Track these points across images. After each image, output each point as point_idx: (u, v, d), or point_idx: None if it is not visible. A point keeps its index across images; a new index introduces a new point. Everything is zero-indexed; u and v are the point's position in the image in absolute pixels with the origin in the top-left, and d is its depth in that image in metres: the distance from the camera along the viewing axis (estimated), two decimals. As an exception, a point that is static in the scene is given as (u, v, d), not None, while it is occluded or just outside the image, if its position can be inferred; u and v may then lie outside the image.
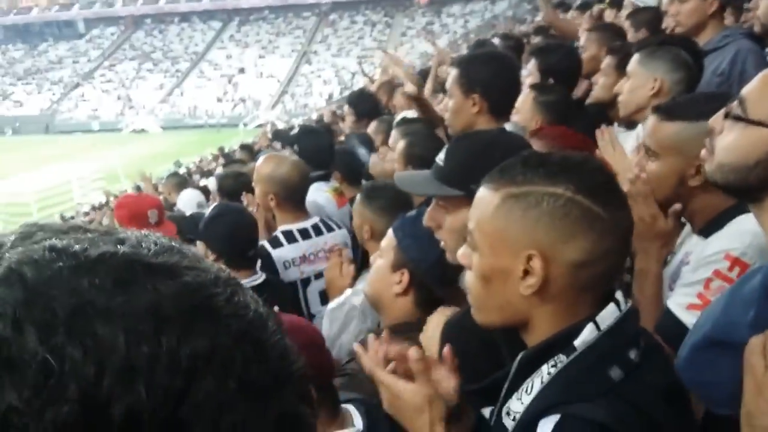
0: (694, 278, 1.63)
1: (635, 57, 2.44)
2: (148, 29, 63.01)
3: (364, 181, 4.22)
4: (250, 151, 8.35)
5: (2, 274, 0.38)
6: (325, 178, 3.69)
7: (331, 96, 45.89)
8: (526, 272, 1.09)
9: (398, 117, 4.25)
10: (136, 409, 0.35)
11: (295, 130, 7.13)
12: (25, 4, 64.78)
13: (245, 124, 43.31)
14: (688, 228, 1.83)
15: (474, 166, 1.59)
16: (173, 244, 0.43)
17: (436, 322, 1.68)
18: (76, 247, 0.39)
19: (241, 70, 54.33)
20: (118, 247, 0.40)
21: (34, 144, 43.13)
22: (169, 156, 32.01)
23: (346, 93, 42.63)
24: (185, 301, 0.39)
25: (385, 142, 4.42)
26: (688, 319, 1.56)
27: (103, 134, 45.70)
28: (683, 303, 1.61)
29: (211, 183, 6.80)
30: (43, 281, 0.37)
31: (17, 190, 26.51)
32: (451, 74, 2.59)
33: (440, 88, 5.00)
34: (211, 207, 2.90)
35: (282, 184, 3.03)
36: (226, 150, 17.22)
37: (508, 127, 2.35)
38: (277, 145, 8.71)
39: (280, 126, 33.78)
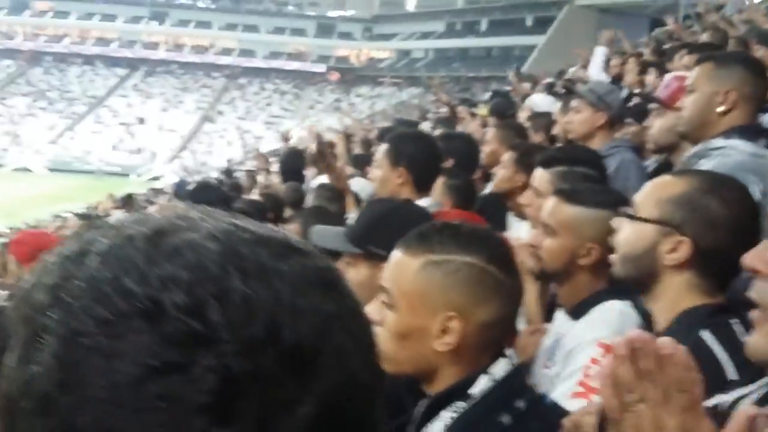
0: (571, 368, 1.78)
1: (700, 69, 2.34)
2: (47, 66, 60.73)
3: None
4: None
5: (202, 235, 0.46)
6: None
7: (232, 158, 45.56)
8: (443, 331, 1.23)
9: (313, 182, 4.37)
10: (297, 338, 0.44)
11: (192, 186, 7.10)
12: None
13: (139, 175, 42.08)
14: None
15: (374, 229, 1.79)
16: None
17: None
18: (249, 225, 0.49)
19: (141, 120, 53.15)
20: (273, 232, 0.50)
21: None
22: (52, 198, 30.42)
23: (249, 155, 42.55)
24: (322, 274, 0.48)
25: (292, 205, 4.54)
26: (575, 406, 1.71)
27: (-18, 168, 42.95)
28: (567, 393, 1.73)
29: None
30: (233, 243, 0.46)
31: None
32: (381, 147, 2.76)
33: (355, 160, 5.21)
34: None
35: None
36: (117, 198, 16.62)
37: (423, 203, 2.51)
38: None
39: (175, 180, 33.21)
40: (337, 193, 3.51)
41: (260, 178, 9.24)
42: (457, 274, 1.24)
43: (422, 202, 2.47)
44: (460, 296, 1.23)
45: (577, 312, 1.89)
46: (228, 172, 14.16)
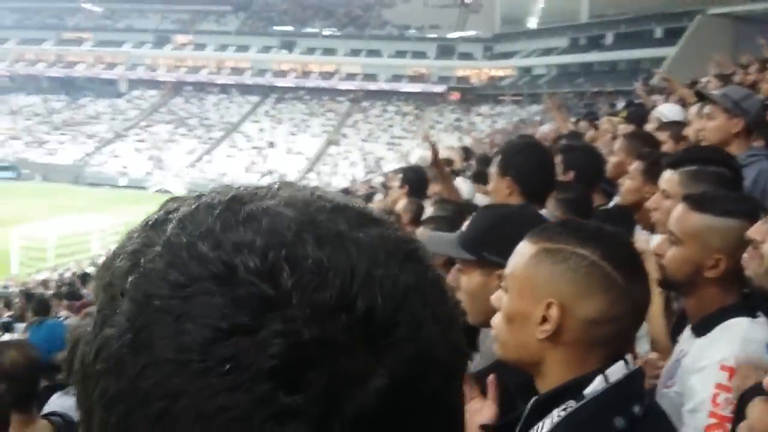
0: (698, 398, 1.67)
1: None
2: (187, 96, 65.18)
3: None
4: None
5: (279, 202, 0.46)
6: None
7: (354, 178, 46.71)
8: (545, 318, 1.23)
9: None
10: (371, 306, 0.43)
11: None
12: (72, 59, 67.56)
13: (268, 196, 43.94)
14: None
15: (488, 235, 1.76)
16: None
17: None
18: (329, 195, 0.49)
19: (271, 144, 55.67)
20: (352, 202, 0.50)
21: (60, 192, 43.99)
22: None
23: (371, 176, 43.42)
24: (401, 245, 0.47)
25: (411, 221, 4.59)
26: None
27: (129, 191, 46.57)
28: (700, 427, 1.64)
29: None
30: (310, 211, 0.46)
31: (38, 234, 26.89)
32: (494, 159, 2.77)
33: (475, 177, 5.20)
34: None
35: None
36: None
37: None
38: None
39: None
40: (456, 207, 3.52)
41: (379, 197, 9.42)
42: (565, 263, 1.23)
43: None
44: (564, 286, 1.23)
45: (700, 328, 1.79)
46: (346, 192, 14.51)
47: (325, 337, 0.41)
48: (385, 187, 13.69)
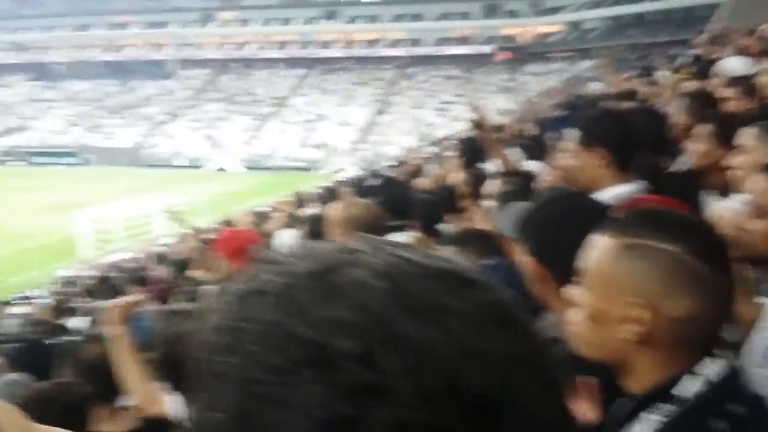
0: None
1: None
2: (235, 73, 65.76)
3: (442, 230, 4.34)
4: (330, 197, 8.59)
5: (369, 274, 0.44)
6: (401, 228, 3.73)
7: (405, 147, 46.48)
8: (628, 318, 1.17)
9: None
10: (480, 391, 0.41)
11: (374, 180, 7.30)
12: (121, 43, 68.80)
13: (321, 169, 44.28)
14: None
15: (544, 227, 1.70)
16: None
17: None
18: (419, 257, 0.46)
19: (321, 117, 55.83)
20: (444, 263, 0.46)
21: (121, 175, 45.24)
22: (245, 195, 32.99)
23: (422, 143, 43.10)
24: (500, 310, 0.45)
25: (469, 194, 4.56)
26: None
27: (186, 171, 47.52)
28: None
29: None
30: (401, 281, 0.43)
31: (102, 217, 27.76)
32: (571, 135, 2.70)
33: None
34: None
35: (354, 223, 3.11)
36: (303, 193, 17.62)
37: (627, 189, 2.39)
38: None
39: (356, 173, 34.48)
40: (521, 180, 3.47)
41: (432, 167, 9.36)
42: (648, 260, 1.16)
43: (626, 188, 2.39)
44: (650, 284, 1.16)
45: None
46: (401, 164, 14.43)
47: (433, 423, 0.40)
48: (440, 157, 13.61)
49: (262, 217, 11.33)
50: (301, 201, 12.18)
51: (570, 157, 2.78)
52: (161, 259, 10.57)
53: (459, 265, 0.47)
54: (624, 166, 2.58)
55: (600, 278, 1.23)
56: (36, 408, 2.00)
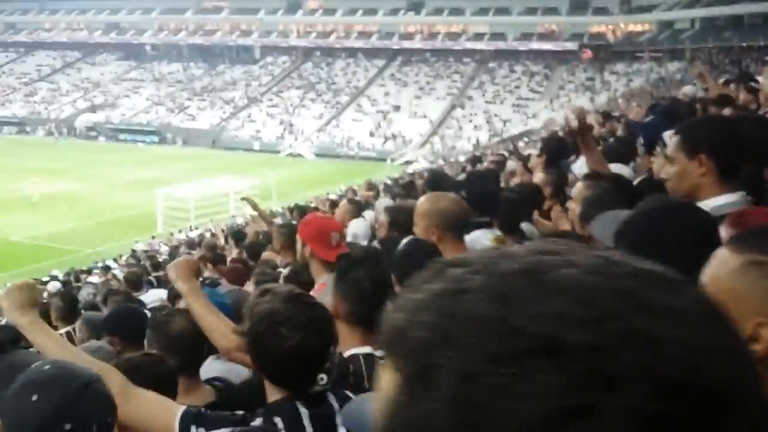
0: None
1: None
2: (316, 61, 66.65)
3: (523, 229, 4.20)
4: (409, 188, 8.52)
5: (581, 271, 0.45)
6: (487, 225, 3.69)
7: (478, 141, 46.06)
8: (753, 337, 1.10)
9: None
10: (716, 384, 0.42)
11: (462, 175, 7.19)
12: (210, 27, 70.75)
13: (392, 160, 44.40)
14: None
15: (646, 237, 1.60)
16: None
17: None
18: (618, 257, 0.48)
19: (396, 108, 55.94)
20: (639, 263, 0.48)
21: (199, 156, 46.65)
22: (317, 181, 33.42)
23: (495, 140, 42.59)
24: (709, 308, 0.46)
25: (552, 195, 4.40)
26: None
27: (262, 154, 48.56)
28: None
29: (369, 215, 7.02)
30: (614, 278, 0.45)
31: (180, 195, 28.68)
32: (672, 141, 2.55)
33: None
34: (404, 242, 2.96)
35: (441, 216, 3.07)
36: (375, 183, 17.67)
37: (731, 198, 2.25)
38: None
39: (426, 165, 34.46)
40: (610, 184, 3.29)
41: (511, 164, 9.16)
42: None
43: (730, 198, 2.23)
44: None
45: None
46: (475, 160, 14.22)
47: (668, 415, 0.40)
48: (515, 153, 13.34)
49: (333, 204, 11.39)
50: (373, 190, 12.19)
51: (668, 162, 2.61)
52: (235, 239, 10.77)
53: (653, 265, 0.48)
54: (727, 176, 2.41)
55: (720, 292, 1.15)
56: (127, 377, 2.04)
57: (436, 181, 5.56)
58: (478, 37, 62.35)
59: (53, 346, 2.01)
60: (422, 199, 3.25)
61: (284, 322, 1.78)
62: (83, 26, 74.55)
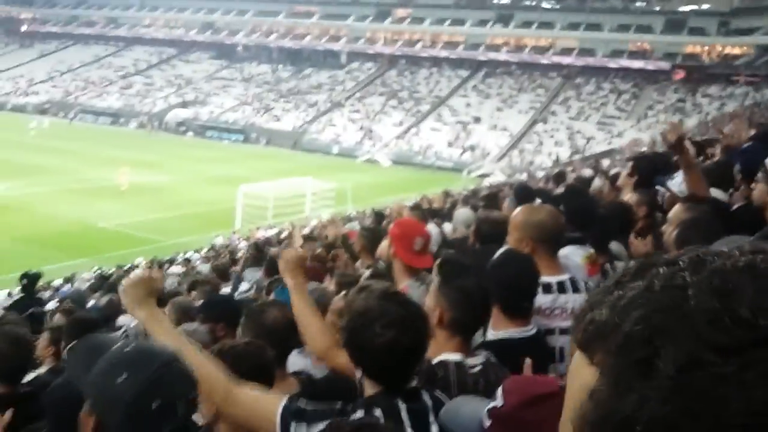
0: None
1: None
2: (401, 69, 67.04)
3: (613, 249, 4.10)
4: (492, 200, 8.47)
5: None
6: (581, 241, 3.62)
7: (558, 157, 45.19)
8: None
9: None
10: None
11: (561, 189, 7.08)
12: (300, 31, 72.30)
13: (469, 171, 44.11)
14: None
15: None
16: None
17: None
18: None
19: (477, 119, 55.58)
20: None
21: (281, 156, 47.67)
22: (393, 189, 33.57)
23: (576, 157, 41.61)
24: None
25: (646, 215, 4.28)
26: None
27: (341, 158, 49.19)
28: None
29: (448, 225, 7.04)
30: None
31: (260, 193, 29.36)
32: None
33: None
34: (499, 252, 2.95)
35: (537, 229, 3.02)
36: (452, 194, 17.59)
37: None
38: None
39: (502, 178, 34.04)
40: (705, 208, 3.18)
41: (597, 182, 8.95)
42: None
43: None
44: None
45: None
46: (559, 176, 13.95)
47: None
48: (601, 171, 13.03)
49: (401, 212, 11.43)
50: (450, 200, 12.16)
51: (764, 183, 2.52)
52: (312, 239, 10.96)
53: None
54: None
55: None
56: (229, 365, 2.09)
57: (526, 193, 5.50)
58: (566, 51, 61.26)
59: (168, 339, 2.08)
60: (518, 210, 3.21)
61: (378, 318, 1.81)
62: (180, 24, 77.63)
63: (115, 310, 7.54)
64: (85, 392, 1.62)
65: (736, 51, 55.63)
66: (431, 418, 1.82)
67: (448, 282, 2.33)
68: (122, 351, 1.64)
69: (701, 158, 7.97)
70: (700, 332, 0.44)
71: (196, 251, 20.44)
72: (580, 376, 0.51)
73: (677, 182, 4.04)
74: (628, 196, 4.71)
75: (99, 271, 17.39)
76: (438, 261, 2.48)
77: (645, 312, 0.47)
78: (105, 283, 13.24)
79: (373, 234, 4.91)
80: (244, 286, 6.42)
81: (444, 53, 65.75)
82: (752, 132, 7.02)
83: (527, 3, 65.84)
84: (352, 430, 1.46)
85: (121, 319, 5.98)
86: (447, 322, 2.28)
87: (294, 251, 2.72)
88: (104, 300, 9.07)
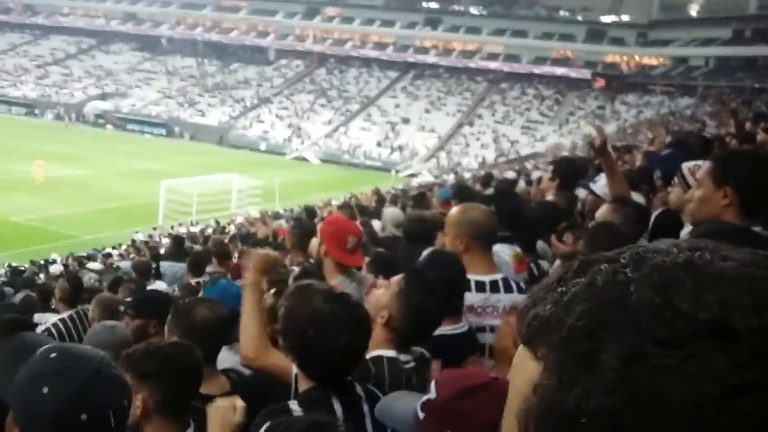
0: None
1: None
2: (330, 68, 66.82)
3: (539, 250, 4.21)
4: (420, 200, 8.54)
5: (739, 264, 0.49)
6: (509, 240, 3.69)
7: (484, 159, 46.12)
8: None
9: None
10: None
11: (490, 190, 7.20)
12: (227, 25, 71.01)
13: (397, 171, 44.46)
14: None
15: None
16: None
17: None
18: (752, 256, 0.51)
19: (406, 120, 56.05)
20: None
21: (205, 152, 46.68)
22: (321, 186, 33.45)
23: (502, 159, 42.62)
24: None
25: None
26: None
27: (269, 155, 48.60)
28: None
29: (377, 223, 7.06)
30: (764, 272, 0.49)
31: (183, 188, 28.66)
32: (704, 166, 2.57)
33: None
34: (426, 253, 2.96)
35: (472, 226, 3.04)
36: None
37: None
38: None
39: (430, 179, 34.53)
40: (629, 210, 3.31)
41: (521, 185, 9.19)
42: None
43: (752, 230, 2.23)
44: None
45: None
46: (488, 178, 14.22)
47: None
48: (523, 174, 13.37)
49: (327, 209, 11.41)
50: (380, 198, 12.20)
51: (696, 186, 2.65)
52: (239, 237, 10.79)
53: None
54: (748, 210, 2.43)
55: None
56: (155, 366, 2.01)
57: (464, 192, 5.57)
58: (493, 56, 62.55)
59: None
60: (455, 208, 3.25)
61: (331, 324, 1.79)
62: (101, 14, 74.81)
63: (30, 306, 7.21)
64: (8, 402, 1.49)
65: (653, 62, 58.21)
66: (365, 409, 1.81)
67: (409, 297, 2.32)
68: (46, 358, 1.48)
69: (619, 163, 8.28)
70: (642, 326, 0.45)
71: (114, 248, 19.76)
72: (524, 370, 0.51)
73: (600, 185, 4.18)
74: (550, 199, 4.85)
75: (10, 267, 16.59)
76: (407, 271, 2.45)
77: (588, 307, 0.48)
78: (18, 279, 12.63)
79: (303, 231, 4.86)
80: (159, 285, 6.25)
81: (374, 54, 65.94)
82: (668, 139, 7.36)
83: (456, 8, 66.80)
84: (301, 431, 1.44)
85: (37, 317, 5.71)
86: (392, 326, 2.29)
87: (269, 253, 2.66)
88: (19, 296, 8.66)
